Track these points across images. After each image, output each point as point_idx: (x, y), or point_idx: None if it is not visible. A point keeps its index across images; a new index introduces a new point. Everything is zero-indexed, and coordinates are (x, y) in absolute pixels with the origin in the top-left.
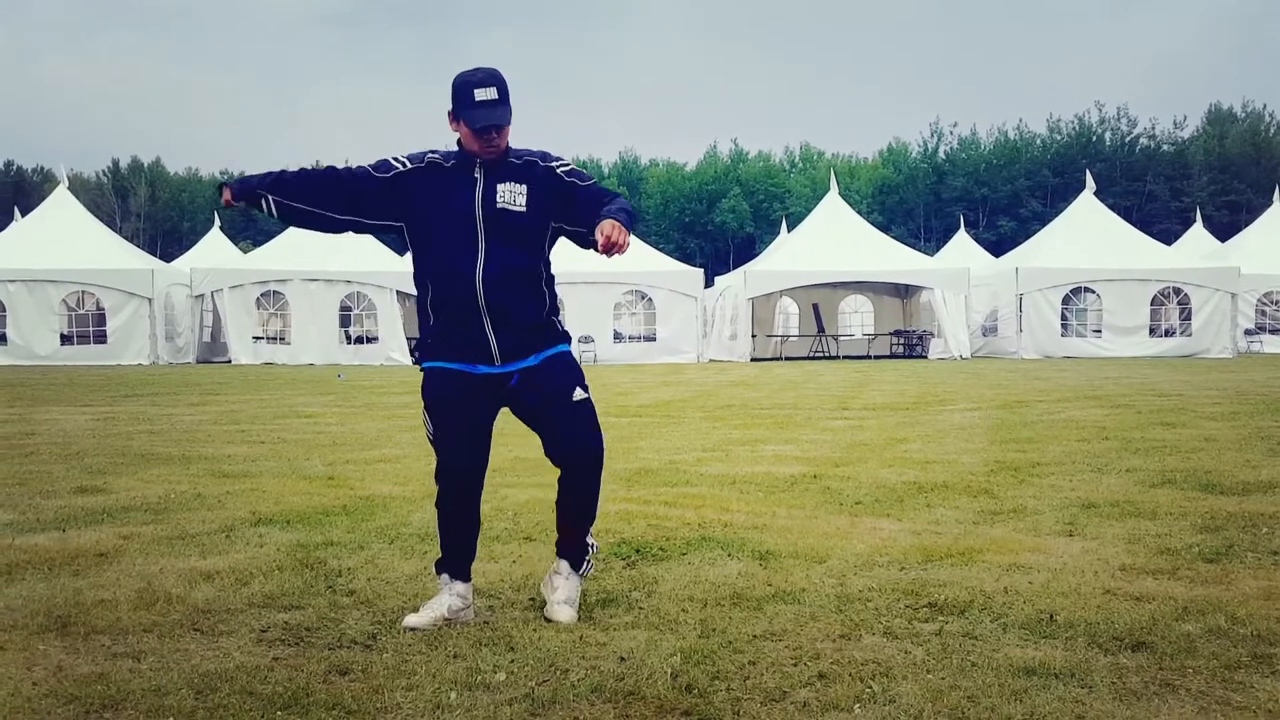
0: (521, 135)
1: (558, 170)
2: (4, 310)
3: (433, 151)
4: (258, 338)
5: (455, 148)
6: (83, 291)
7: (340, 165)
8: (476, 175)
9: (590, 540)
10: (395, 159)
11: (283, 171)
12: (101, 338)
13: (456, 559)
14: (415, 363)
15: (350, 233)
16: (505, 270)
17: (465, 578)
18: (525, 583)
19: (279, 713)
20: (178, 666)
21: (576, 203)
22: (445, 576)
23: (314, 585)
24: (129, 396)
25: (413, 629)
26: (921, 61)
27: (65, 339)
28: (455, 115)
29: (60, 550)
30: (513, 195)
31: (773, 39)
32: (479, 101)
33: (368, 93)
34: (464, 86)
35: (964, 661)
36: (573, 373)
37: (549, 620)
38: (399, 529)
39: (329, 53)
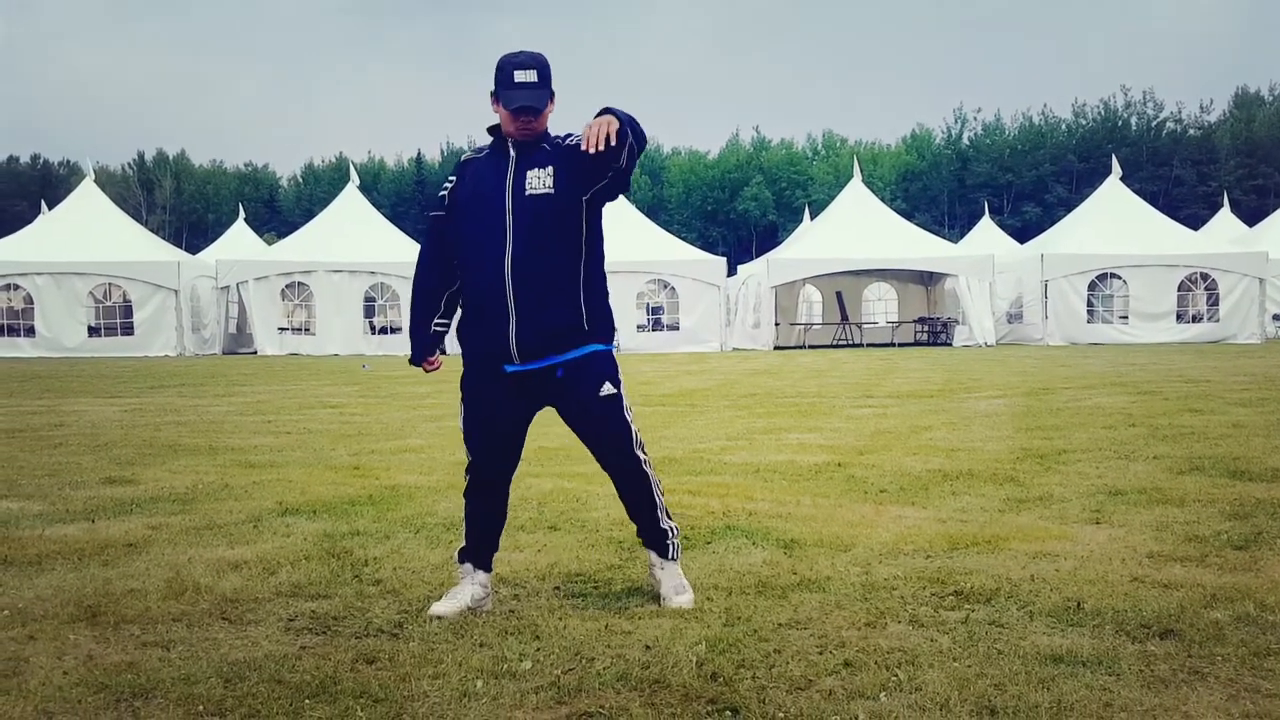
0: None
1: (575, 143)
2: (32, 303)
3: (465, 154)
4: (283, 329)
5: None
6: (110, 284)
7: (424, 265)
8: (509, 159)
9: (666, 525)
10: (446, 185)
11: (426, 301)
12: (129, 330)
13: (481, 550)
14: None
15: None
16: (534, 262)
17: (488, 568)
18: (550, 571)
19: (307, 701)
20: (206, 655)
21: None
22: (468, 566)
23: (341, 574)
24: (156, 388)
25: (439, 617)
26: (945, 47)
27: (93, 331)
28: (495, 95)
29: (89, 540)
30: (541, 179)
31: (794, 25)
32: (518, 83)
33: (387, 81)
34: (505, 67)
35: (990, 650)
36: (603, 371)
37: (671, 609)
38: (424, 518)
39: (348, 42)
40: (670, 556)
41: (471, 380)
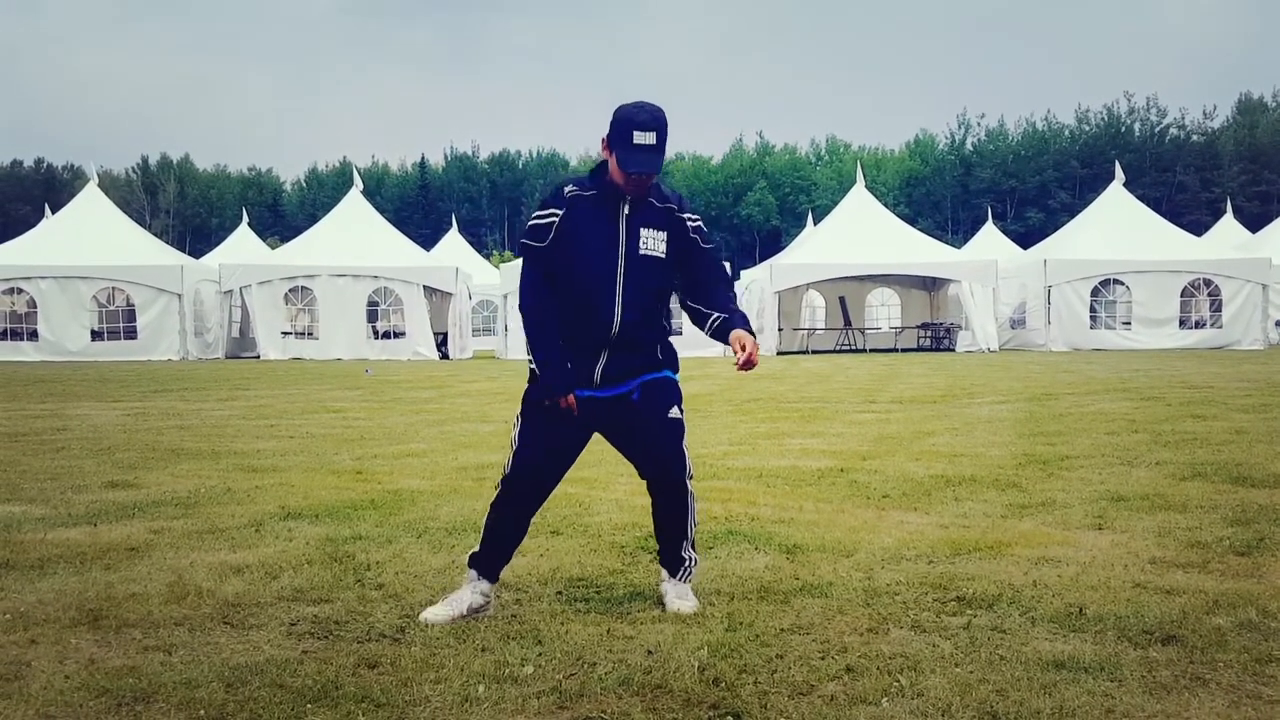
0: (544, 127)
1: (688, 224)
2: (35, 307)
3: (568, 185)
4: (286, 333)
5: (587, 173)
6: (113, 288)
7: (531, 290)
8: (621, 216)
9: (688, 554)
10: (545, 216)
11: (550, 333)
12: (132, 334)
13: (493, 560)
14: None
15: None
16: (641, 315)
17: (494, 579)
18: (552, 576)
19: (309, 705)
20: (208, 659)
21: (694, 266)
22: (474, 573)
23: (343, 579)
24: (159, 392)
25: (431, 623)
26: (949, 53)
27: (96, 335)
28: (610, 146)
29: (92, 544)
30: (655, 242)
31: (798, 31)
32: (637, 145)
33: (391, 86)
34: (625, 123)
35: (992, 655)
36: (673, 393)
37: (673, 613)
38: (427, 523)
39: (352, 47)
40: (682, 579)
41: (541, 399)
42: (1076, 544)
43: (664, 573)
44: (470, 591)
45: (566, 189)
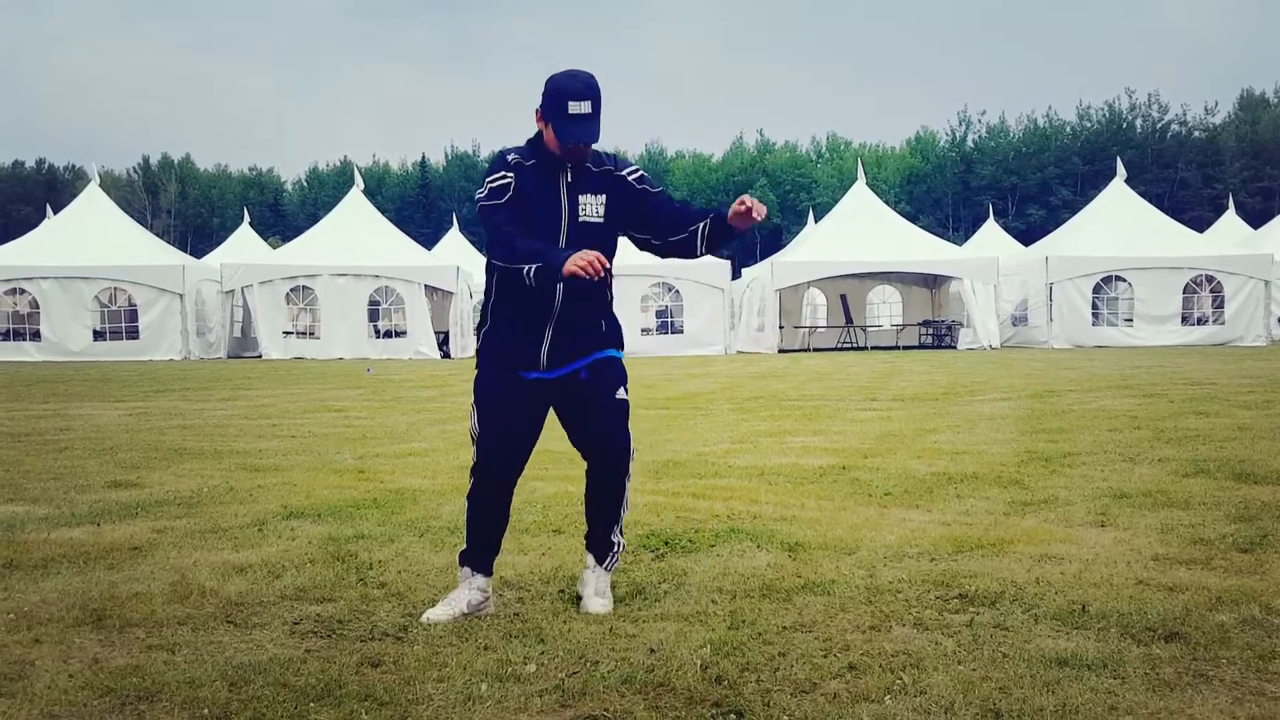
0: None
1: (629, 178)
2: (38, 307)
3: (510, 154)
4: (287, 332)
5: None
6: (115, 288)
7: (505, 224)
8: (561, 184)
9: (616, 539)
10: (500, 178)
11: (529, 240)
12: (134, 333)
13: (482, 553)
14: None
15: None
16: (583, 289)
17: (488, 572)
18: (554, 575)
19: (312, 704)
20: (211, 659)
21: (648, 211)
22: (467, 570)
23: (345, 578)
24: (161, 392)
25: (434, 623)
26: (950, 50)
27: (98, 335)
28: (545, 118)
29: (95, 544)
30: (594, 208)
31: (798, 28)
32: (573, 115)
33: (391, 85)
34: (559, 94)
35: (995, 653)
36: (620, 374)
37: (584, 612)
38: (429, 522)
39: (352, 46)
40: (606, 566)
41: (490, 383)
42: (1079, 541)
43: (589, 559)
44: (467, 589)
45: (510, 157)
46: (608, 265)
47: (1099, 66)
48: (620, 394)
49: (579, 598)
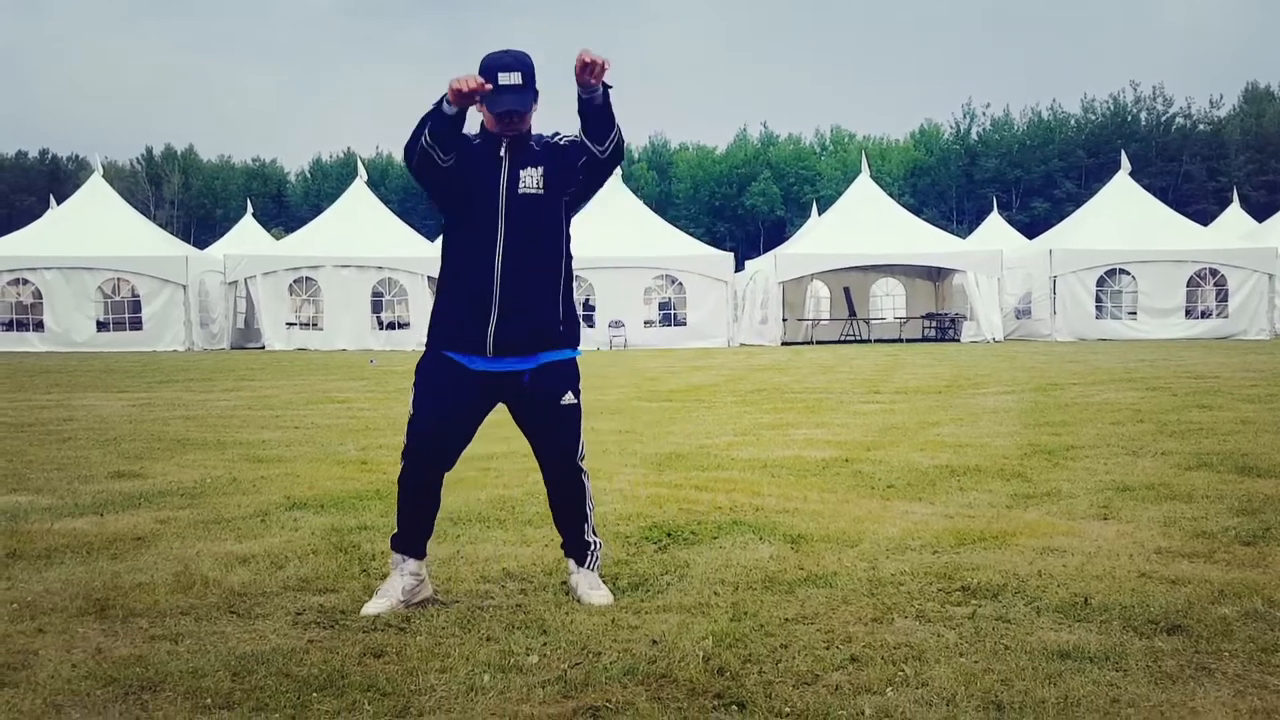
0: (547, 118)
1: (560, 142)
2: (41, 298)
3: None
4: (290, 323)
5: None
6: (118, 279)
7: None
8: (502, 157)
9: (590, 538)
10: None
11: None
12: (137, 324)
13: (413, 538)
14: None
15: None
16: (522, 262)
17: (420, 556)
18: (557, 566)
19: (315, 694)
20: (215, 649)
21: (572, 150)
22: (398, 556)
23: (348, 569)
24: (165, 382)
25: (375, 615)
26: (953, 42)
27: (101, 326)
28: (480, 97)
29: (98, 534)
30: (533, 180)
31: (802, 20)
32: (502, 85)
33: (394, 76)
34: (489, 69)
35: (997, 645)
36: (568, 378)
37: (586, 605)
38: None
39: (356, 37)
40: (589, 566)
41: (433, 367)
42: (1082, 534)
43: (571, 564)
44: (399, 575)
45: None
46: (483, 83)
47: (1103, 59)
48: (567, 399)
49: (577, 598)
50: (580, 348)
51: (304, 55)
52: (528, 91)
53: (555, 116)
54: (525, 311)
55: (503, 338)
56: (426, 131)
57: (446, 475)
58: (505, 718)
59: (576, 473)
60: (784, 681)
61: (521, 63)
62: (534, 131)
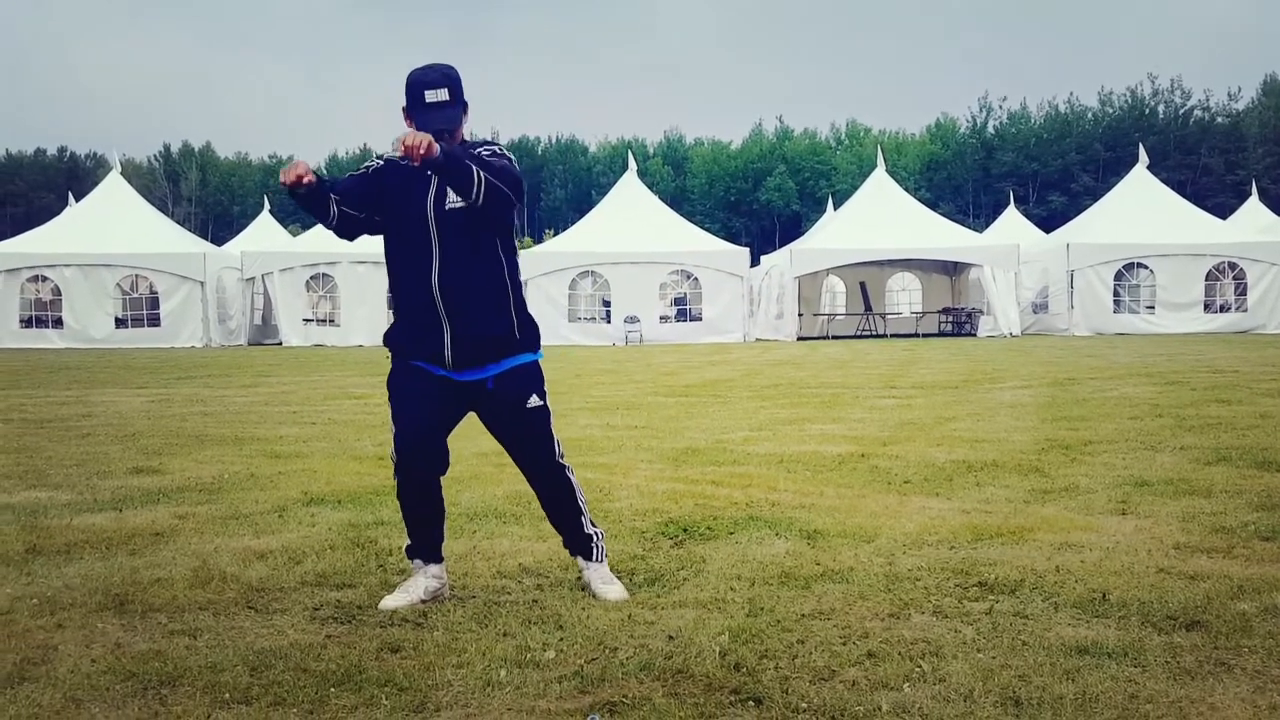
0: (562, 114)
1: (483, 154)
2: (60, 294)
3: (382, 156)
4: (307, 320)
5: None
6: (136, 275)
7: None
8: (430, 174)
9: (590, 530)
10: (366, 164)
11: (337, 180)
12: (155, 321)
13: (425, 544)
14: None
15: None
16: (461, 275)
17: (438, 559)
18: (573, 562)
19: (332, 689)
20: (233, 644)
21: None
22: (418, 561)
23: (365, 564)
24: (183, 379)
25: (393, 610)
26: (970, 35)
27: (120, 322)
28: (408, 113)
29: (117, 530)
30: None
31: (817, 14)
32: (430, 103)
33: (404, 74)
34: (415, 86)
35: (1015, 641)
36: (531, 381)
37: (601, 600)
38: (447, 509)
39: (371, 33)
40: (596, 559)
41: (403, 378)
42: (1100, 529)
43: (579, 560)
44: (423, 577)
45: (385, 157)
46: (301, 175)
47: (1121, 52)
48: (533, 402)
49: (592, 594)
50: (541, 350)
51: (320, 51)
52: (457, 106)
53: (572, 112)
54: (475, 324)
55: (461, 354)
56: (314, 213)
57: (446, 476)
58: (522, 713)
59: (558, 470)
60: (800, 677)
61: (448, 77)
62: (466, 139)
